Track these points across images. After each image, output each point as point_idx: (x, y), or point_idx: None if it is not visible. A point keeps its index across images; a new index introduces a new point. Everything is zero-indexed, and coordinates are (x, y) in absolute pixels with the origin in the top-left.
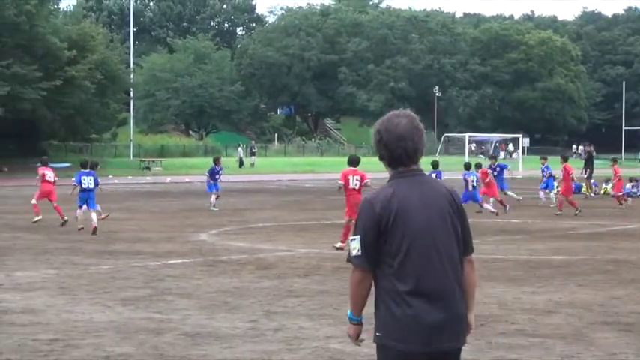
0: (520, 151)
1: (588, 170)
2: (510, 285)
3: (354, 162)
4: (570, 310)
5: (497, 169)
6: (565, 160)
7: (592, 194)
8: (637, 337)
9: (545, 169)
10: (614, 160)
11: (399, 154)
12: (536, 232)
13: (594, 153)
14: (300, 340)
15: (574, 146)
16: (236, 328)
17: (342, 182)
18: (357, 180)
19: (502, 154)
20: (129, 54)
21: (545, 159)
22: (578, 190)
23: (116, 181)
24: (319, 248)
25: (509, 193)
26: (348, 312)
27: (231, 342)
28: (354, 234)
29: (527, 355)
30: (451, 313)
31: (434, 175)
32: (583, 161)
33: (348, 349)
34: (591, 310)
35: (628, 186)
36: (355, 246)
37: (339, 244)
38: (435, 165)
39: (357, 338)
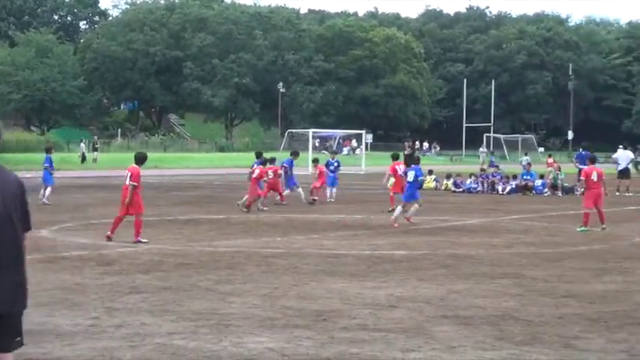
0: (363, 147)
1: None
2: (352, 280)
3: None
4: (411, 304)
5: (336, 164)
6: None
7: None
8: (476, 330)
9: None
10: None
11: None
12: (378, 228)
13: (418, 148)
14: (143, 336)
15: (417, 142)
16: (77, 325)
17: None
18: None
19: (345, 150)
20: None
21: (296, 154)
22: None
23: None
24: (162, 244)
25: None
26: None
27: (72, 339)
28: None
29: (368, 350)
30: (9, 281)
31: (255, 166)
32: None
33: (191, 345)
34: (432, 304)
35: (468, 181)
36: None
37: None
38: (257, 155)
39: None
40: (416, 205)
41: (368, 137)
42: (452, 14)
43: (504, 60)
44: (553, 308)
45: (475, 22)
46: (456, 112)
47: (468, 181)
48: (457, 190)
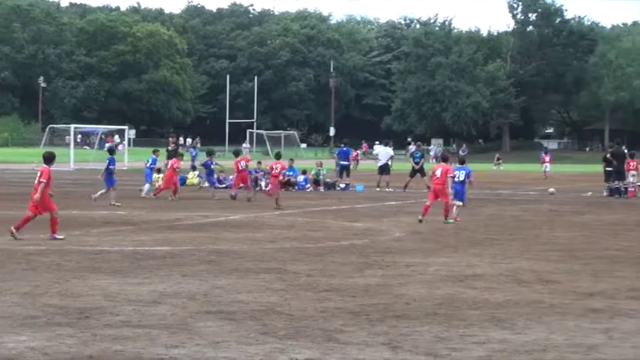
0: (126, 142)
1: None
2: (115, 276)
3: None
4: (175, 300)
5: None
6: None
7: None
8: (239, 325)
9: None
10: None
11: None
12: (142, 224)
13: (182, 144)
14: None
15: (181, 138)
16: None
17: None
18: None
19: (107, 147)
20: None
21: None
22: (183, 182)
23: None
24: None
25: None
26: None
27: None
28: None
29: (132, 346)
30: None
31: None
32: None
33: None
34: (195, 300)
35: (231, 177)
36: None
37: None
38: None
39: None
40: (458, 203)
41: (131, 133)
42: (215, 10)
43: (268, 56)
44: (316, 302)
45: (239, 19)
46: (219, 108)
47: (231, 177)
48: (220, 186)
